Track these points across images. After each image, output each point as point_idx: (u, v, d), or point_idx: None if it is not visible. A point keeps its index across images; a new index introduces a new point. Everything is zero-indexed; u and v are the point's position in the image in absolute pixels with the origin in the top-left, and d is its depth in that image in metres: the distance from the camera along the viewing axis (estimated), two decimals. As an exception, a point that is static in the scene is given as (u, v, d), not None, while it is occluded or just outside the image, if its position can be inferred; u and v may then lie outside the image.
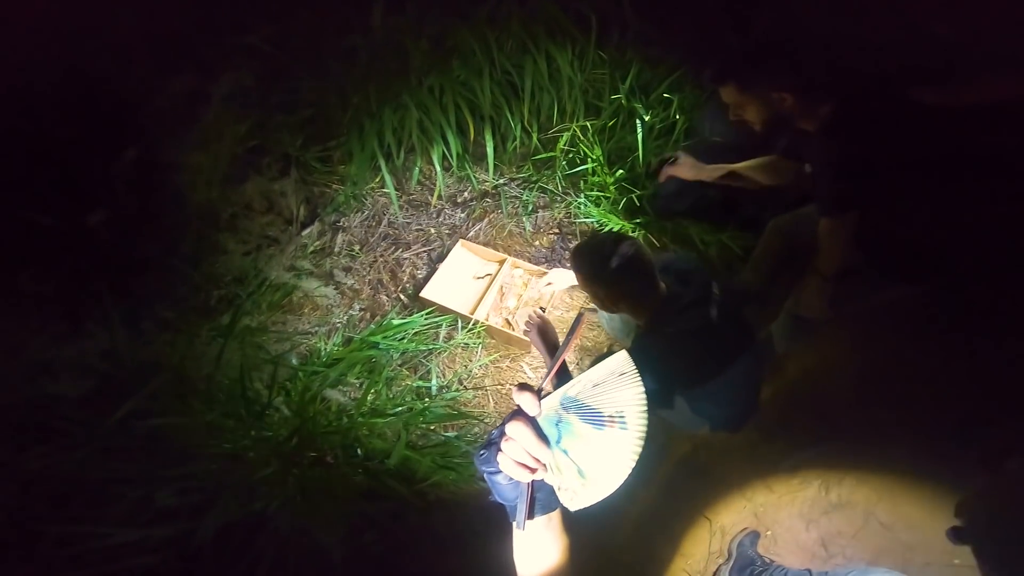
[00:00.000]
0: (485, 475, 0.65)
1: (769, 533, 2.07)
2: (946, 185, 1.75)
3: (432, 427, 2.13)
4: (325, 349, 2.29)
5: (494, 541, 1.86)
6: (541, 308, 2.00)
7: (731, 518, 2.12)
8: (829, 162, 1.73)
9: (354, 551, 1.72)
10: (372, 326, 2.38)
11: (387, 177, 2.46)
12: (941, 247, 1.85)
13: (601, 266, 1.55)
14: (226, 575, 1.57)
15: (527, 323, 1.93)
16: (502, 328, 2.35)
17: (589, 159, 2.61)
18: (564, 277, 2.24)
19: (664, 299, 1.61)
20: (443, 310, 2.40)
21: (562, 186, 2.74)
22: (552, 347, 1.85)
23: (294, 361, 2.24)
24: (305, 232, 2.59)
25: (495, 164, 2.60)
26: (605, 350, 2.41)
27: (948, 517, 1.79)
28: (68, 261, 2.16)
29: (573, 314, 2.53)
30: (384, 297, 2.53)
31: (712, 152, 2.33)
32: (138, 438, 1.65)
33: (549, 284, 2.30)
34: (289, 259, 2.52)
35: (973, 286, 2.02)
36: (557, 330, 1.97)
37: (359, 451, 1.92)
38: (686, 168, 2.21)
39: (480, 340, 2.39)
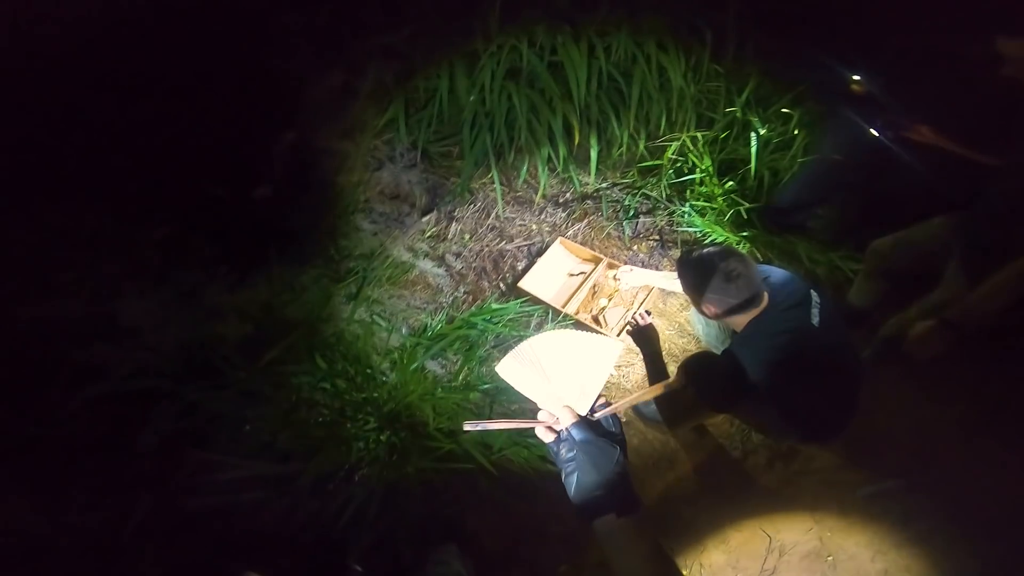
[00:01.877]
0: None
1: (830, 559, 2.06)
2: None
3: (514, 406, 2.38)
4: (431, 324, 2.62)
5: (554, 518, 2.10)
6: (647, 312, 2.19)
7: (794, 537, 2.13)
8: None
9: (428, 509, 2.04)
10: (473, 308, 2.69)
11: (495, 174, 2.73)
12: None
13: (708, 280, 1.69)
14: (319, 514, 1.90)
15: (630, 323, 2.11)
16: (590, 324, 2.54)
17: (698, 169, 2.67)
18: (634, 277, 2.43)
19: (764, 308, 1.73)
20: (536, 301, 2.64)
21: (666, 194, 2.84)
22: (652, 353, 2.03)
23: (404, 331, 2.61)
24: (425, 218, 2.95)
25: (598, 168, 2.76)
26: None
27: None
28: (237, 226, 2.65)
29: (666, 320, 2.64)
30: (486, 283, 2.83)
31: None
32: (273, 384, 2.07)
33: (616, 279, 2.48)
34: (410, 241, 2.89)
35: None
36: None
37: (447, 420, 2.23)
38: None
39: (568, 333, 2.58)
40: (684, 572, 2.15)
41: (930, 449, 2.22)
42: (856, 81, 2.11)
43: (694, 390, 1.90)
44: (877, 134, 2.06)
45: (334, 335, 2.35)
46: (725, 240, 2.66)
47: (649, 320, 2.10)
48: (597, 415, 0.98)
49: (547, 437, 0.96)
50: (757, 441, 2.36)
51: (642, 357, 2.12)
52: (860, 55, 2.18)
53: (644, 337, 2.05)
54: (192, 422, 1.86)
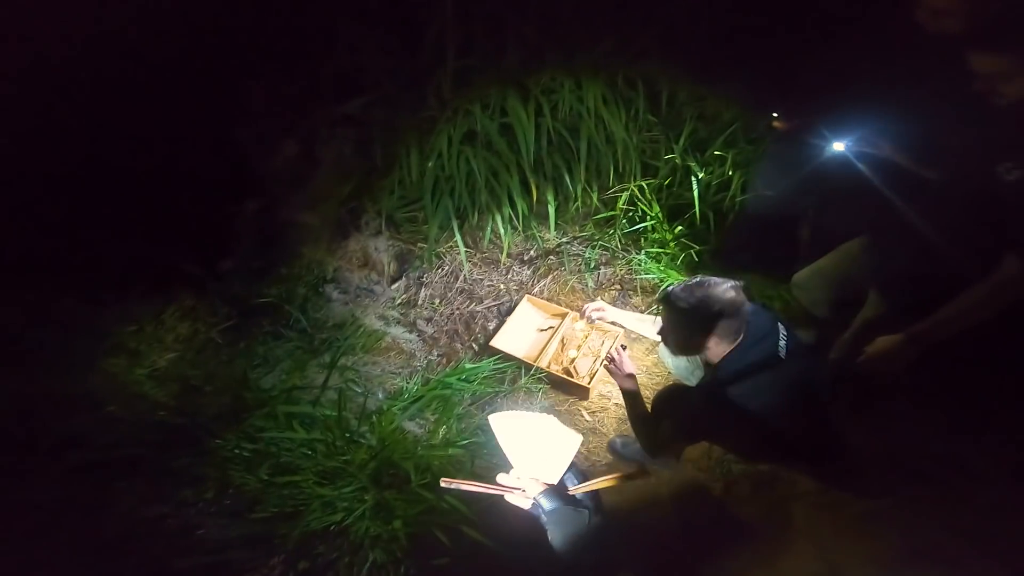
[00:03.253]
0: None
1: None
2: None
3: (495, 460, 2.43)
4: (407, 387, 2.69)
5: (543, 562, 2.11)
6: (622, 346, 2.25)
7: (796, 563, 2.05)
8: None
9: (418, 561, 2.03)
10: (447, 370, 2.78)
11: (459, 238, 2.90)
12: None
13: (712, 313, 1.73)
14: (308, 571, 1.90)
15: (608, 358, 2.20)
16: (561, 375, 2.66)
17: (648, 217, 2.90)
18: (607, 314, 2.51)
19: (740, 341, 1.82)
20: (509, 358, 2.75)
21: (622, 243, 3.05)
22: (630, 388, 2.13)
23: (380, 396, 2.68)
24: (394, 286, 3.09)
25: (558, 223, 2.97)
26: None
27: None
28: (210, 302, 2.74)
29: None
30: (459, 345, 2.94)
31: None
32: (254, 451, 2.11)
33: (585, 318, 2.58)
34: (381, 309, 3.01)
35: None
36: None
37: (431, 475, 2.26)
38: None
39: (541, 386, 2.70)
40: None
41: (910, 462, 2.23)
42: (776, 118, 2.36)
43: (669, 423, 2.00)
44: (843, 149, 2.17)
45: (311, 403, 2.40)
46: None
47: (625, 354, 2.20)
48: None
49: (523, 503, 1.04)
50: (737, 471, 2.41)
51: (620, 394, 2.22)
52: (777, 92, 2.42)
53: (621, 373, 2.16)
54: (175, 486, 1.87)
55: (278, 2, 2.60)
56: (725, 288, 1.75)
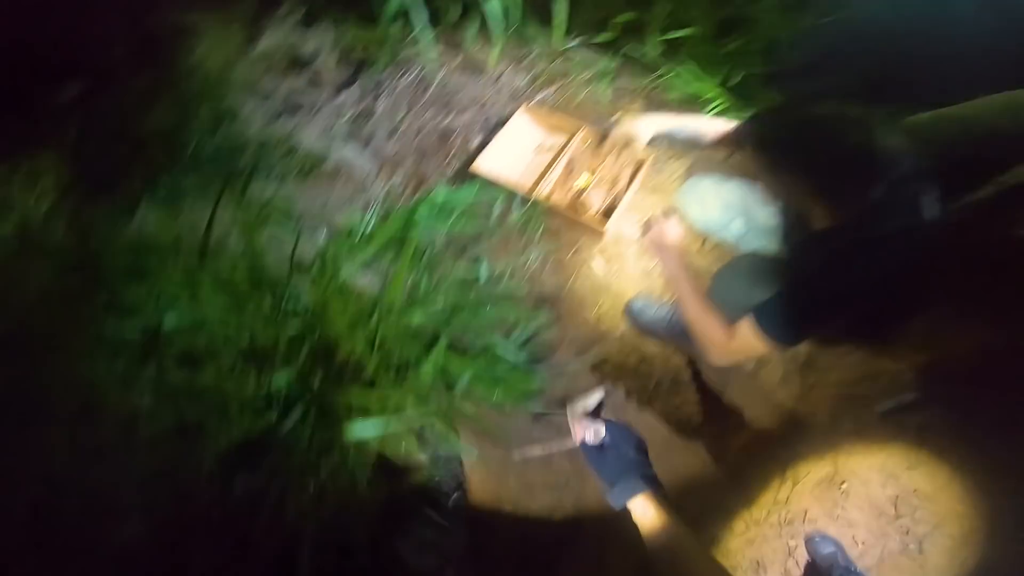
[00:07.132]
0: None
1: (844, 485, 1.88)
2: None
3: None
4: (359, 224, 2.07)
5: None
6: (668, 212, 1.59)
7: (807, 463, 1.92)
8: None
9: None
10: (414, 200, 2.18)
11: (423, 27, 2.17)
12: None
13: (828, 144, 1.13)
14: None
15: (645, 225, 1.57)
16: (565, 212, 2.11)
17: (694, 24, 2.24)
18: (649, 125, 1.70)
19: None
20: (497, 185, 2.18)
21: (655, 52, 2.40)
22: (675, 269, 1.49)
23: (323, 237, 2.07)
24: (342, 94, 2.40)
25: (570, 22, 2.27)
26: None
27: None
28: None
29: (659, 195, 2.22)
30: (429, 168, 2.34)
31: None
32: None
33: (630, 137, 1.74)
34: (323, 123, 2.34)
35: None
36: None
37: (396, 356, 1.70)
38: None
39: (540, 223, 2.15)
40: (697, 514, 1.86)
41: (950, 360, 1.95)
42: None
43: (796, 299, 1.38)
44: None
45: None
46: (730, 105, 2.25)
47: (667, 222, 1.54)
48: None
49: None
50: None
51: (662, 270, 1.63)
52: None
53: (665, 249, 1.51)
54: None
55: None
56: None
